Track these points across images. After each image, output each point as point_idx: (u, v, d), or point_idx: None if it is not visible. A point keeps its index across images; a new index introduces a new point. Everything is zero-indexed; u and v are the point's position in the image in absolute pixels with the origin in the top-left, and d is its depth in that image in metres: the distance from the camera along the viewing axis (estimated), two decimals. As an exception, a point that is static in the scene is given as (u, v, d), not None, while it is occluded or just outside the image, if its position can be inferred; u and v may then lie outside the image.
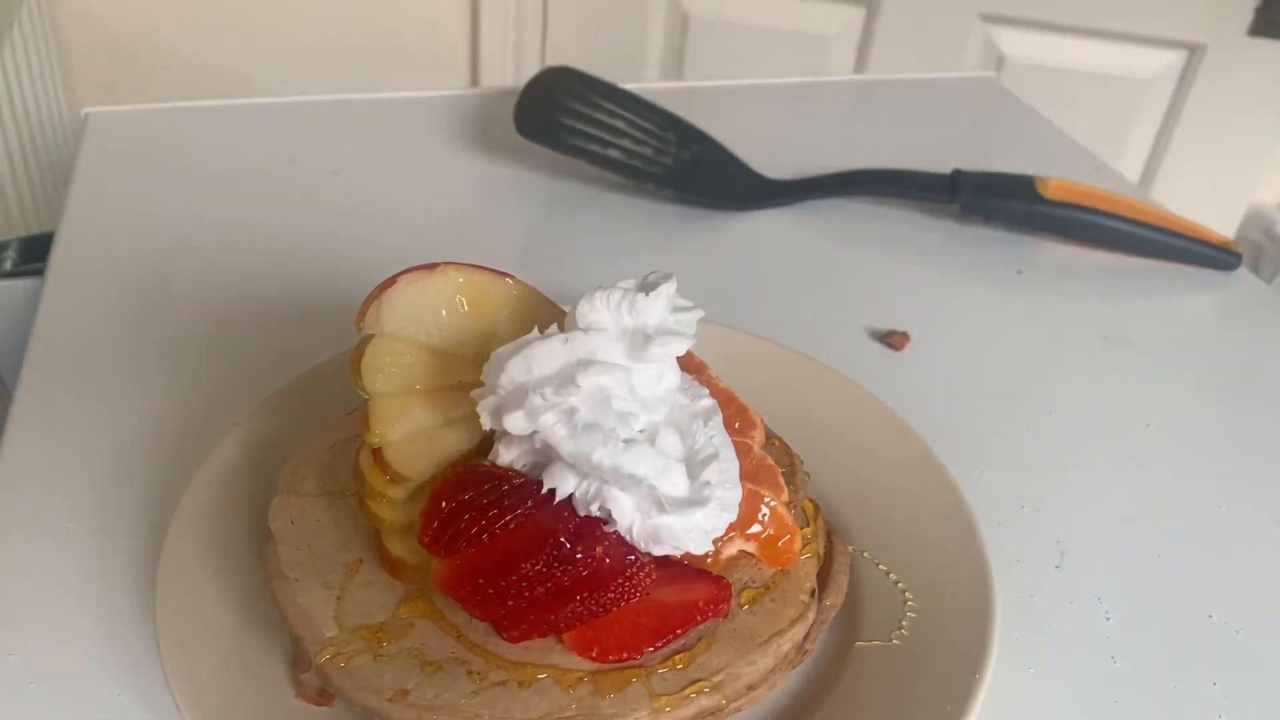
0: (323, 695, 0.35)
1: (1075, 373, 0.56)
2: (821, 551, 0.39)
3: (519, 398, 0.33)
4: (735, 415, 0.39)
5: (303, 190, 0.67)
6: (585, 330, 0.34)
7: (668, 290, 0.35)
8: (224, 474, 0.41)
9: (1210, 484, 0.49)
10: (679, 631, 0.34)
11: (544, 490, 0.33)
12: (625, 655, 0.33)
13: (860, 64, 1.49)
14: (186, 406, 0.48)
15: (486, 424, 0.34)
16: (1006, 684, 0.38)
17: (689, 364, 0.40)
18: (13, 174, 1.07)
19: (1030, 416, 0.52)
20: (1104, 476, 0.49)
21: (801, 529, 0.38)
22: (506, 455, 0.34)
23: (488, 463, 0.35)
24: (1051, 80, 1.36)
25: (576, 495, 0.33)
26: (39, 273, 0.58)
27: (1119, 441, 0.52)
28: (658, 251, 0.64)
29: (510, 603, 0.32)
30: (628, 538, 0.33)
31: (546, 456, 0.34)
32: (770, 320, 0.55)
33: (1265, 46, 1.35)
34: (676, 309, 0.36)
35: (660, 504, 0.32)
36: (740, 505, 0.35)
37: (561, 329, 0.35)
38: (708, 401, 0.36)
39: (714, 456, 0.34)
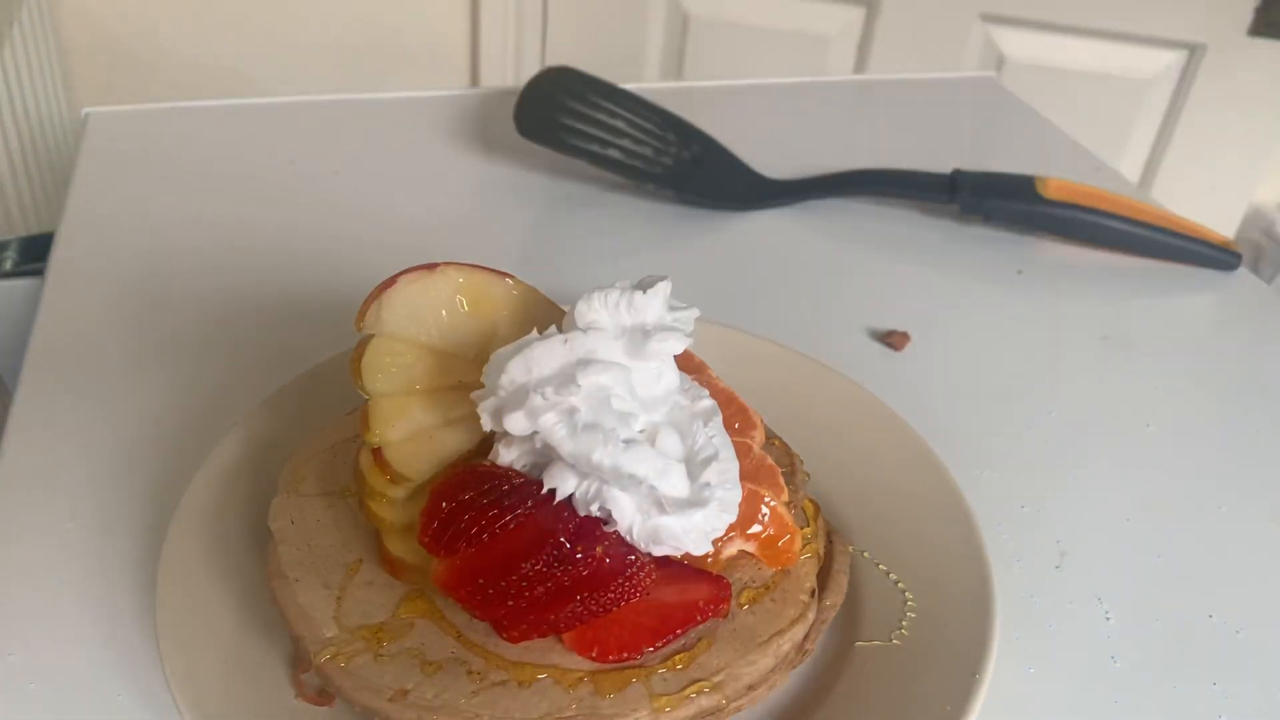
0: (323, 695, 0.35)
1: (1075, 373, 0.56)
2: (821, 551, 0.39)
3: (519, 398, 0.33)
4: (735, 415, 0.39)
5: (303, 190, 0.67)
6: (584, 330, 0.34)
7: (664, 289, 0.36)
8: (224, 474, 0.41)
9: (1210, 484, 0.49)
10: (679, 631, 0.34)
11: (544, 490, 0.33)
12: (625, 655, 0.33)
13: (860, 64, 1.49)
14: (186, 406, 0.48)
15: (487, 425, 0.34)
16: (1006, 684, 0.38)
17: (689, 364, 0.40)
18: (13, 174, 1.07)
19: (1030, 416, 0.52)
20: (1104, 476, 0.49)
21: (801, 529, 0.38)
22: (506, 455, 0.34)
23: (488, 463, 0.35)
24: (1051, 80, 1.36)
25: (576, 495, 0.33)
26: (39, 273, 0.58)
27: (1119, 441, 0.51)
28: (658, 251, 0.64)
29: (510, 603, 0.32)
30: (628, 538, 0.33)
31: (546, 456, 0.34)
32: (770, 320, 0.55)
33: (1265, 46, 1.35)
34: (673, 309, 0.36)
35: (660, 504, 0.33)
36: (740, 505, 0.35)
37: (561, 329, 0.35)
38: (708, 402, 0.36)
39: (714, 457, 0.34)
